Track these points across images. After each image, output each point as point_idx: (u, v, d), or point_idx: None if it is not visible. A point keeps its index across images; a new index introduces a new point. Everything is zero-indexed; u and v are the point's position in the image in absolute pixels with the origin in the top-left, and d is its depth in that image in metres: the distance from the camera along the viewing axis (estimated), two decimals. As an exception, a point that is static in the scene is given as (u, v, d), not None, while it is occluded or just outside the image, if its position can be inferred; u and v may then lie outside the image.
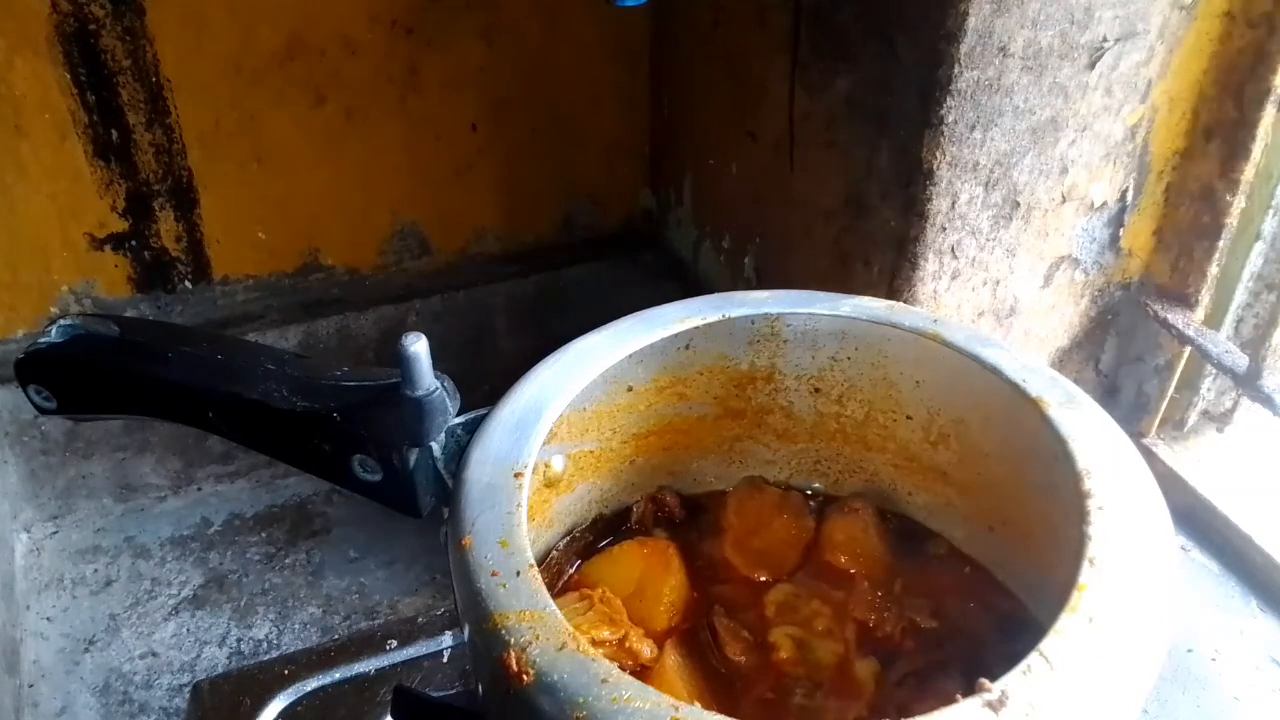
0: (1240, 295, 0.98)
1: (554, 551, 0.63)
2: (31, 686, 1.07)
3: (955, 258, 0.89)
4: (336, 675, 0.82)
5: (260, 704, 0.80)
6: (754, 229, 1.17)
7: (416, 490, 0.54)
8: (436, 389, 0.52)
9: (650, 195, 1.44)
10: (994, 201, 0.87)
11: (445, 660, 0.83)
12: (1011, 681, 0.41)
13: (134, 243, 1.21)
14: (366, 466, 0.54)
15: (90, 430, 1.21)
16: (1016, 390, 0.56)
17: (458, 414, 0.54)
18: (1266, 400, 0.92)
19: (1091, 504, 0.49)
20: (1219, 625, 0.91)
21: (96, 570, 1.20)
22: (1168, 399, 1.03)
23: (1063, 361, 1.01)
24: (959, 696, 0.41)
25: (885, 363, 0.63)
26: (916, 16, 0.81)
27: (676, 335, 0.61)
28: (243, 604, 1.16)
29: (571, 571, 0.62)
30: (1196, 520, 0.98)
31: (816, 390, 0.66)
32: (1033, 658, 0.42)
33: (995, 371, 0.57)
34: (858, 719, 0.54)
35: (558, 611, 0.45)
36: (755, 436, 0.68)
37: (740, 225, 1.21)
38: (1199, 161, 0.92)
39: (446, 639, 0.84)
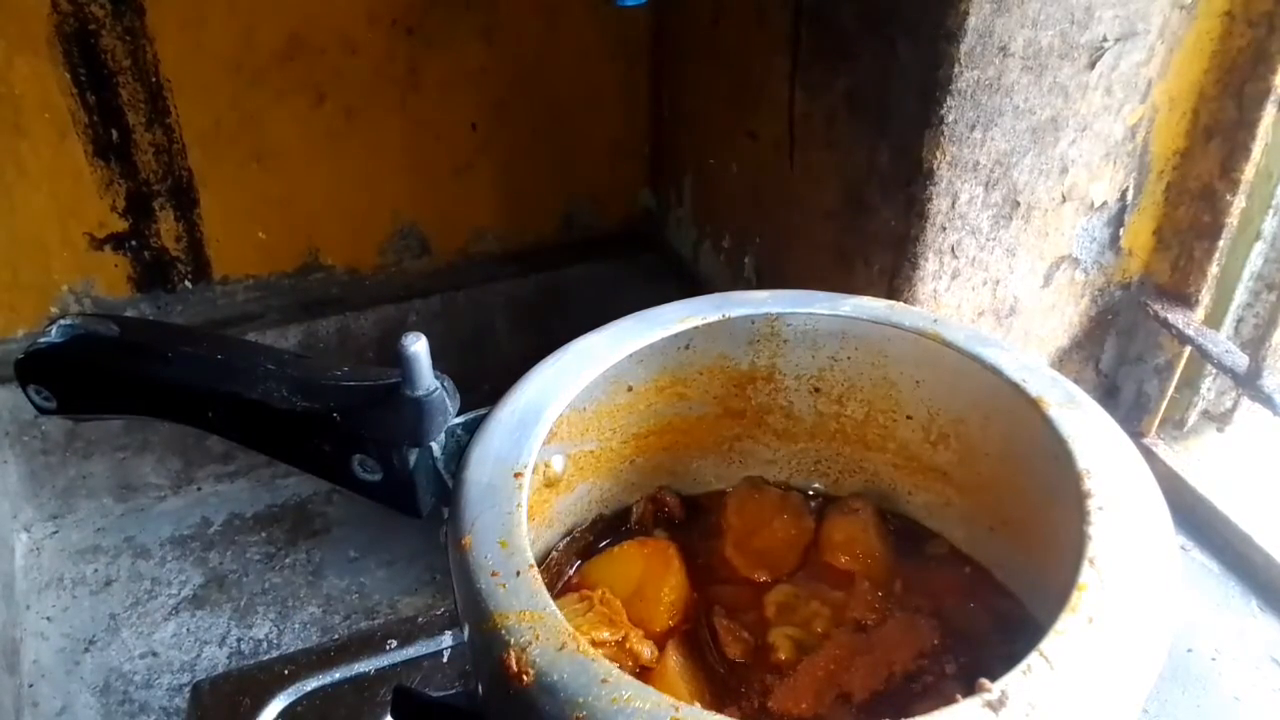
0: (1240, 295, 0.98)
1: (554, 552, 0.63)
2: (31, 686, 1.07)
3: (955, 257, 0.88)
4: (336, 675, 0.82)
5: (260, 704, 0.80)
6: (754, 229, 1.17)
7: (416, 490, 0.54)
8: (436, 389, 0.52)
9: (650, 195, 1.44)
10: (994, 201, 0.87)
11: (445, 660, 0.83)
12: (1011, 681, 0.41)
13: (134, 242, 1.21)
14: (366, 466, 0.54)
15: (90, 430, 1.21)
16: (1016, 390, 0.56)
17: (458, 414, 0.54)
18: (1266, 400, 0.92)
19: (1091, 504, 0.49)
20: (1219, 625, 0.91)
21: (96, 570, 1.20)
22: (1168, 399, 1.03)
23: (1063, 361, 1.01)
24: (959, 696, 0.41)
25: (885, 363, 0.63)
26: (916, 16, 0.81)
27: (676, 335, 0.61)
28: (243, 604, 1.15)
29: (571, 572, 0.62)
30: (1196, 520, 0.98)
31: (816, 390, 0.66)
32: (1033, 658, 0.42)
33: (995, 371, 0.57)
34: (856, 719, 0.54)
35: (558, 612, 0.45)
36: (755, 436, 0.68)
37: (740, 225, 1.21)
38: (1199, 161, 0.92)
39: (446, 639, 0.84)
